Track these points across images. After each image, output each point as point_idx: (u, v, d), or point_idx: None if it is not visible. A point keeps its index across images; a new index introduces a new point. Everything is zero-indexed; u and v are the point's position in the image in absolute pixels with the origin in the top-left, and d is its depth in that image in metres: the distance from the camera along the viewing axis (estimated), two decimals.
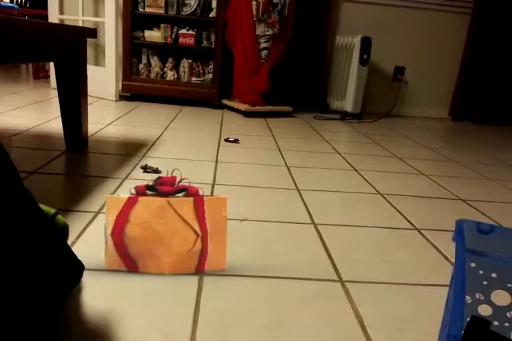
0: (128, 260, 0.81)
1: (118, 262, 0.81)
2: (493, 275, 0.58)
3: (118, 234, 0.80)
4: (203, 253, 0.84)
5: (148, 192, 0.84)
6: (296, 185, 1.47)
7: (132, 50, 2.94)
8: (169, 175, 0.87)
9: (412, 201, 1.42)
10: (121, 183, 1.31)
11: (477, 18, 3.36)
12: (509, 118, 3.57)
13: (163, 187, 0.84)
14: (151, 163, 1.54)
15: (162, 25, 2.93)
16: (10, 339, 0.55)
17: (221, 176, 1.47)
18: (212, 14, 2.91)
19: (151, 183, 0.85)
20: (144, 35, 2.96)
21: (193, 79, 3.07)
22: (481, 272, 0.58)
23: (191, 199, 0.84)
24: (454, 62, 3.51)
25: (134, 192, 0.84)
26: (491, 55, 3.41)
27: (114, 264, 0.82)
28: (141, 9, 2.89)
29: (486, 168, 1.98)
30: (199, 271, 0.85)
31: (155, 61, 3.05)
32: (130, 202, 0.81)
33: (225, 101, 3.04)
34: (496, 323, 0.58)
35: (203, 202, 0.84)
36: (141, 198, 0.82)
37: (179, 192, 0.85)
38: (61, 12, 2.99)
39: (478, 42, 3.39)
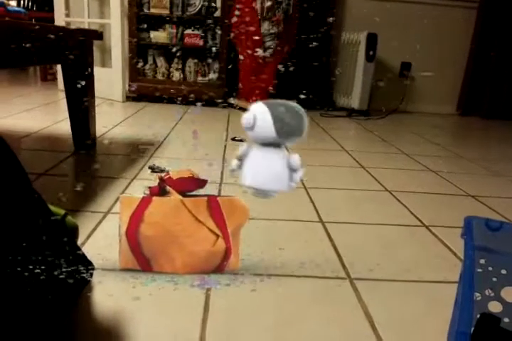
0: (142, 259, 0.82)
1: (132, 261, 0.82)
2: (503, 271, 0.58)
3: (132, 234, 0.80)
4: (227, 254, 0.83)
5: (163, 192, 0.84)
6: (303, 183, 1.47)
7: (138, 51, 2.95)
8: (174, 173, 0.87)
9: (421, 198, 1.41)
10: (129, 183, 1.32)
11: (483, 12, 3.32)
12: None
13: (176, 185, 0.84)
14: (159, 163, 1.55)
15: (167, 26, 2.94)
16: (22, 338, 0.55)
17: (228, 175, 1.48)
18: (217, 14, 2.91)
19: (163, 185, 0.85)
20: (149, 36, 2.97)
21: (199, 79, 3.08)
22: (490, 269, 0.58)
23: (205, 199, 0.84)
24: (461, 57, 3.47)
25: (148, 193, 0.84)
26: (499, 49, 3.37)
27: (128, 263, 0.82)
28: (146, 10, 2.90)
29: (494, 164, 1.96)
30: (218, 271, 0.84)
31: (161, 61, 3.06)
32: (144, 202, 0.82)
33: (231, 101, 3.04)
34: (506, 320, 0.58)
35: (217, 202, 0.84)
36: (155, 198, 0.82)
37: (191, 187, 0.85)
38: (67, 15, 3.01)
39: (485, 36, 3.35)
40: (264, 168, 0.57)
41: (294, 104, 0.56)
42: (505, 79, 3.42)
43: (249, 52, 2.81)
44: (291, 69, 3.09)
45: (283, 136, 0.55)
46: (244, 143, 0.59)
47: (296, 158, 0.57)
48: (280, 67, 2.90)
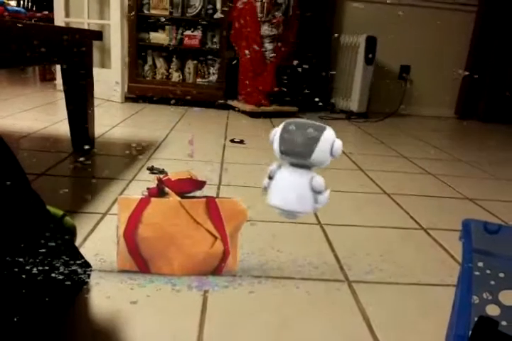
0: (140, 261, 0.82)
1: (130, 263, 0.82)
2: (501, 274, 0.58)
3: (130, 235, 0.80)
4: (225, 256, 0.83)
5: (161, 193, 0.84)
6: None
7: (138, 51, 2.95)
8: (173, 175, 0.87)
9: (419, 200, 1.41)
10: (127, 185, 1.32)
11: (482, 16, 3.33)
12: None
13: (175, 187, 0.84)
14: (158, 164, 1.54)
15: (167, 27, 2.94)
16: (19, 340, 0.55)
17: (227, 177, 1.48)
18: (216, 15, 2.91)
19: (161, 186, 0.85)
20: (149, 37, 2.97)
21: (198, 80, 3.08)
22: (488, 272, 0.58)
23: (203, 200, 0.84)
24: (459, 60, 3.48)
25: (146, 194, 0.84)
26: (497, 52, 3.38)
27: (126, 265, 0.82)
28: (146, 11, 2.90)
29: (492, 167, 1.97)
30: (216, 273, 0.84)
31: (160, 62, 3.06)
32: (142, 203, 0.82)
33: (231, 102, 3.04)
34: (503, 323, 0.58)
35: (215, 203, 0.84)
36: (153, 199, 0.82)
37: (189, 189, 0.85)
38: (67, 15, 3.01)
39: (484, 39, 3.37)
40: (289, 188, 0.57)
41: (312, 125, 0.56)
42: (502, 82, 3.43)
43: (249, 53, 2.81)
44: (291, 71, 3.10)
45: (286, 154, 0.55)
46: (274, 163, 0.59)
47: (318, 180, 0.57)
48: (280, 69, 2.90)
